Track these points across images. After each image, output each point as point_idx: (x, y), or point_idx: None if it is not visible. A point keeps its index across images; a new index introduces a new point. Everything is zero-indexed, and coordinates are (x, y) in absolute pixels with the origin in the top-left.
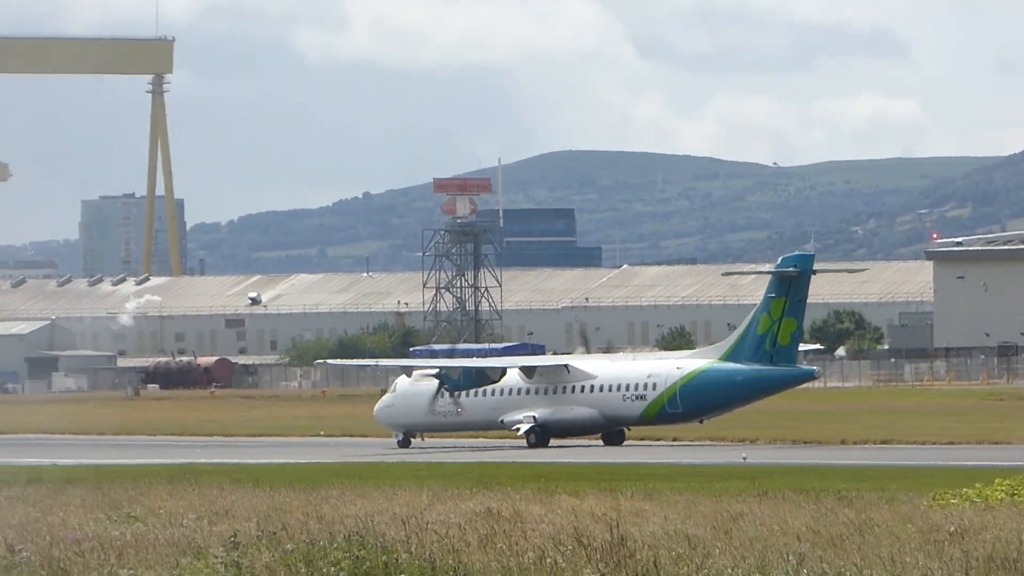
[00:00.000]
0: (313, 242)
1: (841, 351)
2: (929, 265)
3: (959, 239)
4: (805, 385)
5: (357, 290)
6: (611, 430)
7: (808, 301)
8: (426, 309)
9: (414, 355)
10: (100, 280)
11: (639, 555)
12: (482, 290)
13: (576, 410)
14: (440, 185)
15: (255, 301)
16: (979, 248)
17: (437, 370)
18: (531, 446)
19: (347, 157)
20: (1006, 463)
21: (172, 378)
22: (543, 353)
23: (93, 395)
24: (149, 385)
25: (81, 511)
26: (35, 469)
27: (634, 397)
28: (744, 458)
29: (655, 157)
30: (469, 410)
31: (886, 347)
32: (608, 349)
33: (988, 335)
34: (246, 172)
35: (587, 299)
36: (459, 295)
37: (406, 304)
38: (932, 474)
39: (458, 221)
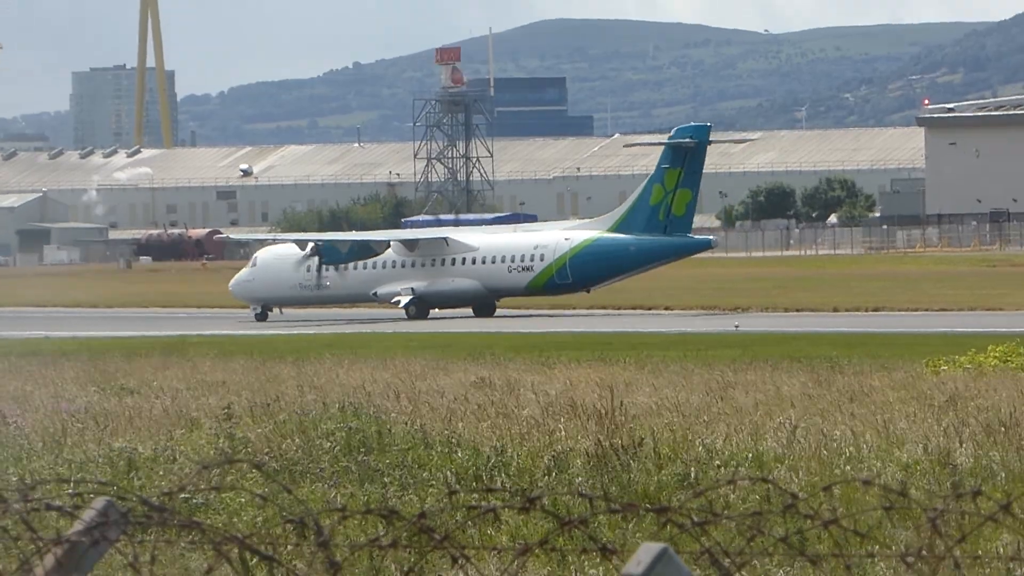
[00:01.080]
0: (304, 113)
1: (833, 218)
2: (921, 131)
3: (950, 105)
4: (795, 252)
5: (348, 161)
6: (490, 301)
7: (800, 168)
8: (417, 180)
9: (405, 226)
10: (91, 152)
11: (633, 424)
12: (473, 160)
13: (456, 282)
14: (429, 55)
15: (246, 173)
16: (971, 114)
17: (313, 244)
18: (411, 318)
19: (337, 27)
20: (999, 329)
21: (164, 250)
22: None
23: (86, 268)
24: (141, 257)
25: (74, 384)
26: (28, 342)
27: (520, 268)
28: (736, 326)
29: (646, 25)
30: (340, 283)
31: (878, 214)
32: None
33: (980, 201)
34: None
35: (579, 169)
36: (450, 165)
37: (397, 175)
38: (925, 341)
39: (448, 91)
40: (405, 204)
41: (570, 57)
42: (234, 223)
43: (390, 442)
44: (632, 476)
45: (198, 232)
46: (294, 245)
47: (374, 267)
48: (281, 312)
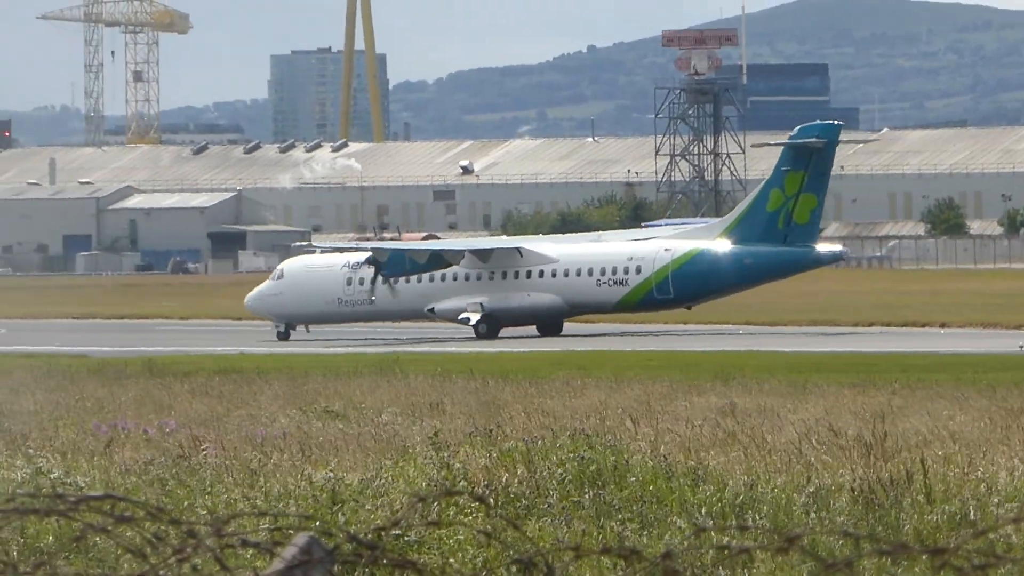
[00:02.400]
0: (531, 103)
1: None
2: None
3: None
4: None
5: (580, 157)
6: (563, 318)
7: None
8: (659, 179)
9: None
10: (292, 146)
11: (903, 455)
12: (723, 157)
13: (532, 296)
14: (671, 38)
15: (466, 170)
16: None
17: (369, 254)
18: (480, 336)
19: (569, 5)
20: None
21: None
22: None
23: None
24: None
25: (273, 406)
26: (221, 358)
27: (612, 282)
28: (1021, 346)
29: (919, 5)
30: (389, 298)
31: None
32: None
33: None
34: (456, 23)
35: (842, 167)
36: (696, 163)
37: (636, 173)
38: None
39: (695, 79)
40: (645, 206)
41: (833, 41)
42: (452, 226)
43: (627, 474)
44: (902, 514)
45: (412, 236)
46: (325, 256)
47: (431, 280)
48: (308, 330)
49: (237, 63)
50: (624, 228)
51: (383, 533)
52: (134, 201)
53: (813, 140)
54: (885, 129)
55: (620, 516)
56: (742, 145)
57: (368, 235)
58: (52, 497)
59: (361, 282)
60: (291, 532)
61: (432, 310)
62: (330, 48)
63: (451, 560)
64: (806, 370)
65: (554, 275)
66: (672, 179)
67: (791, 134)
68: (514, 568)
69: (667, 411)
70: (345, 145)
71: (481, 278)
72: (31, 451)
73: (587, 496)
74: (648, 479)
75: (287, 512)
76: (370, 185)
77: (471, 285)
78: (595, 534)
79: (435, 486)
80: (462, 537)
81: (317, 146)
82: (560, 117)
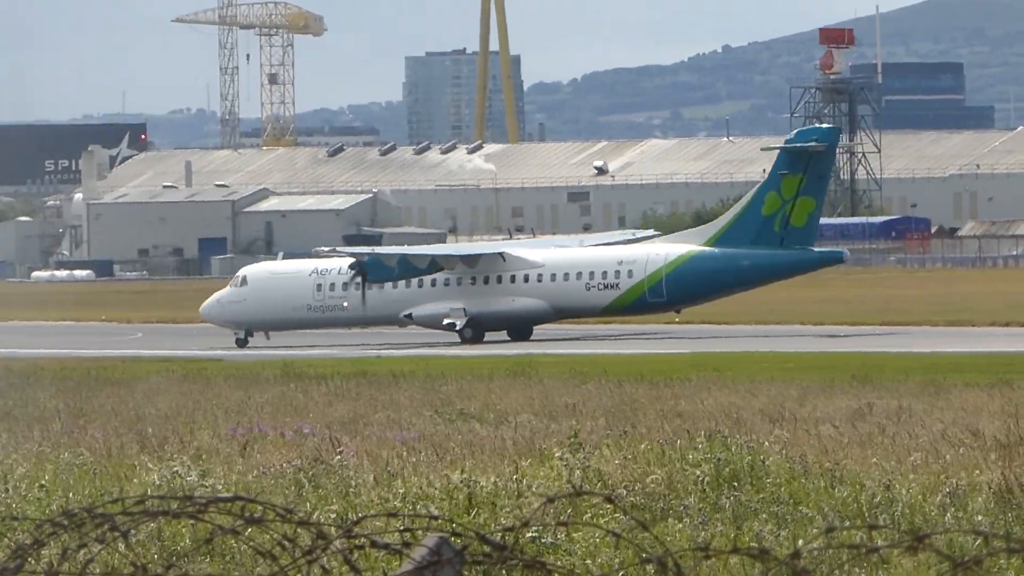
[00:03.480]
0: (666, 103)
1: None
2: None
3: None
4: None
5: (716, 157)
6: (538, 323)
7: None
8: None
9: None
10: (427, 147)
11: None
12: (858, 156)
13: (517, 301)
14: (828, 36)
15: (601, 171)
16: None
17: (353, 259)
18: (465, 341)
19: (704, 5)
20: None
21: None
22: (927, 228)
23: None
24: None
25: (409, 408)
26: (357, 361)
27: (602, 286)
28: None
29: None
30: (360, 304)
31: None
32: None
33: None
34: (590, 24)
35: (978, 166)
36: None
37: None
38: None
39: (831, 77)
40: None
41: (967, 40)
42: (587, 228)
43: (764, 475)
44: None
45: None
46: (290, 263)
47: (407, 286)
48: (267, 336)
49: (371, 65)
50: None
51: (514, 533)
52: (270, 203)
53: (812, 144)
54: (1020, 128)
55: (759, 516)
56: (877, 144)
57: (502, 236)
58: (182, 499)
59: (332, 287)
60: (422, 533)
61: (409, 316)
62: (464, 50)
63: (587, 562)
64: (944, 370)
65: (540, 279)
66: None
67: (787, 138)
68: (646, 569)
69: (803, 412)
70: (480, 147)
71: (462, 283)
72: (168, 455)
73: (725, 498)
74: (785, 480)
75: (416, 513)
76: (504, 187)
77: (451, 290)
78: (731, 535)
79: (570, 488)
80: (598, 539)
81: (452, 148)
82: (695, 117)
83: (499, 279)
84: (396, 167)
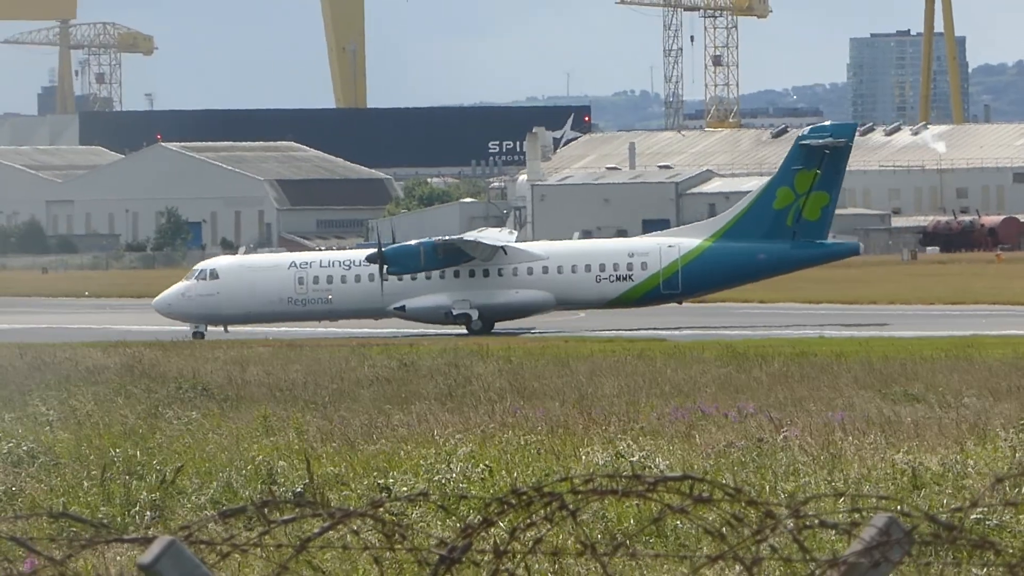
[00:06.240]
0: None
1: None
2: None
3: None
4: None
5: None
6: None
7: None
8: None
9: None
10: (871, 128)
11: None
12: None
13: (521, 293)
14: None
15: None
16: None
17: (374, 250)
18: (472, 332)
19: None
20: None
21: (953, 240)
22: None
23: (864, 258)
24: (927, 248)
25: (851, 389)
26: (799, 341)
27: (615, 278)
28: None
29: None
30: (345, 296)
31: None
32: None
33: None
34: None
35: None
36: None
37: None
38: None
39: None
40: None
41: None
42: None
43: None
44: None
45: (991, 219)
46: (260, 256)
47: (399, 278)
48: (226, 330)
49: (816, 47)
50: None
51: (962, 514)
52: (713, 185)
53: (828, 139)
54: None
55: None
56: None
57: (947, 218)
58: (631, 478)
59: (316, 280)
60: (869, 514)
61: (402, 308)
62: (909, 31)
63: None
64: None
65: (545, 271)
66: None
67: (801, 133)
68: None
69: None
70: (924, 128)
71: (459, 275)
72: (611, 435)
73: None
74: None
75: (864, 494)
76: (948, 168)
77: (447, 283)
78: None
79: (1017, 468)
80: None
81: (896, 129)
82: None
83: (499, 272)
84: None
